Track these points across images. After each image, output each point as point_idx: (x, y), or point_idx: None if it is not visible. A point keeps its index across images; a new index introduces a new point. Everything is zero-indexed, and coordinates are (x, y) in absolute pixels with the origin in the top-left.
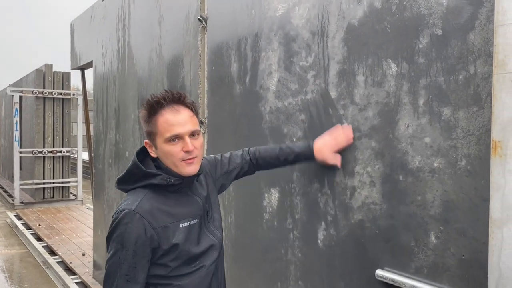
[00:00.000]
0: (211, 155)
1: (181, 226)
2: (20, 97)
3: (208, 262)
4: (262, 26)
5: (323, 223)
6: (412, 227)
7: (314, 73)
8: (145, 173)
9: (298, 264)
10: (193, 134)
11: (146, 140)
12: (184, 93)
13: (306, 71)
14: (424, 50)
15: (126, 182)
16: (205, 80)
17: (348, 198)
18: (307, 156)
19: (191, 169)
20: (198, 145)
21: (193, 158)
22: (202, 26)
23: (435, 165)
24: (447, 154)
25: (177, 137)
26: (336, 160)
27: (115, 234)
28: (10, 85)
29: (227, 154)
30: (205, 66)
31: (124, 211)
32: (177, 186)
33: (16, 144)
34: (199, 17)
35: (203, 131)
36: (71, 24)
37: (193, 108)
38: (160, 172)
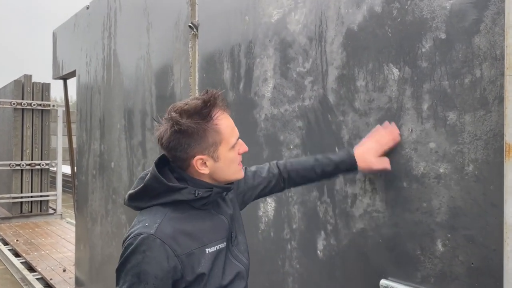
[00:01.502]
0: None
1: (207, 252)
2: None
3: (241, 284)
4: (256, 32)
5: (322, 233)
6: (418, 235)
7: (312, 79)
8: (167, 187)
9: (296, 276)
10: None
11: (200, 157)
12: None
13: (304, 77)
14: (428, 54)
15: (141, 199)
16: (196, 87)
17: (349, 206)
18: (349, 165)
19: (243, 173)
20: None
21: None
22: (193, 33)
23: (441, 170)
24: (454, 159)
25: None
26: (384, 163)
27: (129, 265)
28: None
29: (252, 168)
30: (196, 74)
31: (141, 236)
32: (205, 200)
33: None
34: (189, 24)
35: None
36: (53, 33)
37: None
38: (185, 185)
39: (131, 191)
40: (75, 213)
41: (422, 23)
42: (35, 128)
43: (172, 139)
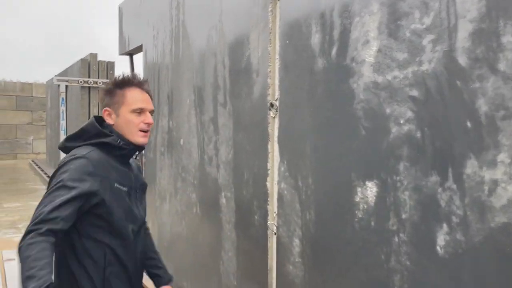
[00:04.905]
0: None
1: (115, 186)
2: (66, 86)
3: (135, 229)
4: None
5: (445, 226)
6: None
7: (433, 37)
8: (99, 131)
9: (405, 274)
10: (151, 113)
11: (107, 108)
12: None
13: (421, 35)
14: None
15: (76, 139)
16: (277, 56)
17: (485, 195)
18: (156, 279)
19: (144, 140)
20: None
21: (148, 131)
22: None
23: None
24: None
25: (142, 111)
26: None
27: (60, 170)
28: (56, 76)
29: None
30: (277, 41)
31: (75, 155)
32: (123, 150)
33: (62, 133)
34: None
35: (273, 115)
36: (119, 8)
37: (151, 95)
38: (112, 134)
39: (68, 135)
40: None
41: None
42: (101, 106)
43: (103, 94)
